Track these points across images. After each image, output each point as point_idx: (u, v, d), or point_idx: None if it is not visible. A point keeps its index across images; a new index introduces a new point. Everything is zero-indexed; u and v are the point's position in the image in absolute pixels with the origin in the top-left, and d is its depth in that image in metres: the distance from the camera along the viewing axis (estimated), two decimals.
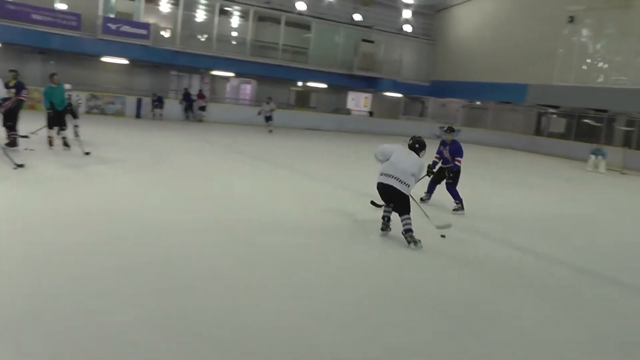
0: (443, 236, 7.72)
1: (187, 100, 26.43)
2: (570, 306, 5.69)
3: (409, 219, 7.10)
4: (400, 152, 7.45)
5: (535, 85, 28.57)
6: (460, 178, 10.04)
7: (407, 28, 33.88)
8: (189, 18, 27.53)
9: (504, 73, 29.99)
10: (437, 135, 32.25)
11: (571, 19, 27.16)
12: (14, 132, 12.02)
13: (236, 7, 28.56)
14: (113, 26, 24.17)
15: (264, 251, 6.42)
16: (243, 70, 28.59)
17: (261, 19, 29.36)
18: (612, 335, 5.06)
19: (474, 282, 6.10)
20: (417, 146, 7.59)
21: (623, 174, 21.77)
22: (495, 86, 30.52)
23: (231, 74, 29.53)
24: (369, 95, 35.03)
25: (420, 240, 7.02)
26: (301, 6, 29.78)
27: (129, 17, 24.84)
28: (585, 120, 28.83)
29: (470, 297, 5.59)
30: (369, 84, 32.45)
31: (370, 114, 34.34)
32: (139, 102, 24.97)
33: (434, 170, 9.61)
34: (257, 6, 28.53)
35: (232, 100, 31.63)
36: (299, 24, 30.39)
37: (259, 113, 23.99)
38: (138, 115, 24.91)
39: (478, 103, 34.23)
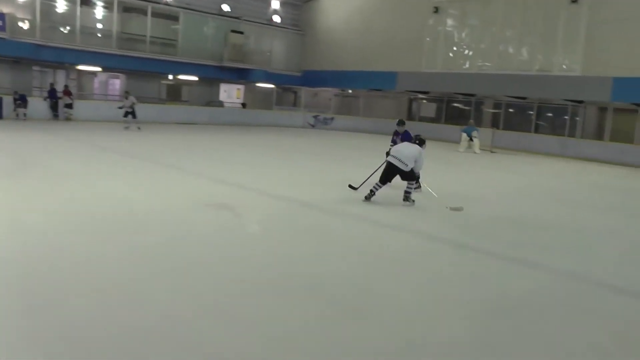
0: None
1: (53, 97, 24.37)
2: (444, 280, 5.98)
3: (412, 186, 9.98)
4: (404, 145, 10.23)
5: (405, 73, 29.71)
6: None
7: (276, 19, 33.73)
8: (48, 8, 25.19)
9: (374, 61, 30.89)
10: (310, 124, 32.62)
11: (436, 10, 28.55)
12: None
13: None
14: None
15: (142, 251, 6.21)
16: (110, 64, 26.79)
17: (127, 9, 27.66)
18: (493, 301, 5.38)
19: (358, 267, 6.22)
20: (417, 142, 10.25)
21: (493, 152, 23.32)
22: (366, 74, 31.34)
23: (98, 69, 27.55)
24: (241, 87, 34.51)
25: (414, 201, 9.97)
26: None
27: None
28: (455, 105, 30.45)
29: (358, 281, 5.67)
30: (241, 75, 31.95)
31: (243, 105, 33.85)
32: None
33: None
34: None
35: (100, 96, 29.72)
36: (167, 14, 29.06)
37: (121, 108, 22.46)
38: None
39: (350, 91, 34.95)
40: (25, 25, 24.44)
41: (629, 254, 7.97)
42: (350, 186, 10.80)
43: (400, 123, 11.87)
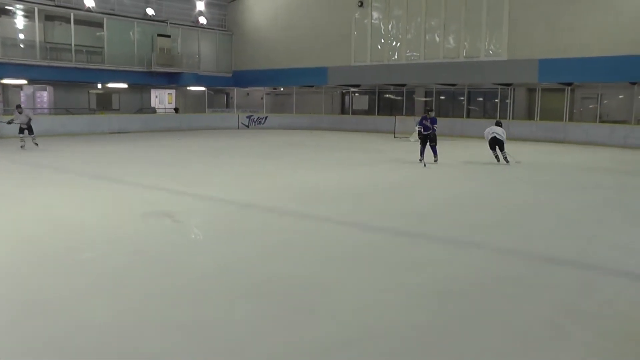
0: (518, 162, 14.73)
1: None
2: (391, 269, 6.02)
3: (506, 152, 15.28)
4: (493, 127, 15.60)
5: (335, 67, 30.20)
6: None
7: (203, 20, 33.41)
8: None
9: (304, 58, 31.20)
10: (245, 125, 32.57)
11: (361, 3, 29.18)
12: None
13: (18, 6, 25.49)
14: None
15: (81, 266, 6.06)
16: (36, 75, 25.78)
17: (49, 18, 26.72)
18: (441, 285, 5.47)
19: (303, 264, 6.18)
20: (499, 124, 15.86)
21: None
22: (297, 71, 31.60)
23: (23, 81, 26.57)
24: (172, 92, 34.00)
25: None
26: (89, 2, 27.78)
27: None
28: (387, 96, 31.13)
29: (304, 278, 5.67)
30: (171, 79, 31.52)
31: (176, 110, 33.41)
32: None
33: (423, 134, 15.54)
34: (41, 4, 25.88)
35: (29, 110, 28.52)
36: (91, 21, 28.28)
37: (10, 122, 19.11)
38: None
39: (282, 89, 35.07)
40: None
41: (562, 225, 8.29)
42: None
43: (430, 110, 16.51)
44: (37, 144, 19.11)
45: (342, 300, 5.02)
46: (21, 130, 18.89)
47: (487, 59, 25.12)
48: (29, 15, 26.07)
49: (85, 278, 5.59)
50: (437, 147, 15.77)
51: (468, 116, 27.81)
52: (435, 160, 15.56)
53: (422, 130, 15.57)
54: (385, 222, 8.28)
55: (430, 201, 10.23)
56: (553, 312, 4.79)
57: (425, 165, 14.77)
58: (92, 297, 5.05)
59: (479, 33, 25.32)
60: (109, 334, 4.25)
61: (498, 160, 15.59)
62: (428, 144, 15.52)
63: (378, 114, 30.71)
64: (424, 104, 29.32)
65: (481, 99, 28.26)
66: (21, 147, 18.75)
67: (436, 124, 15.71)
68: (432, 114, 16.06)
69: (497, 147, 15.52)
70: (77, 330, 4.34)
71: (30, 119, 19.18)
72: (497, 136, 15.38)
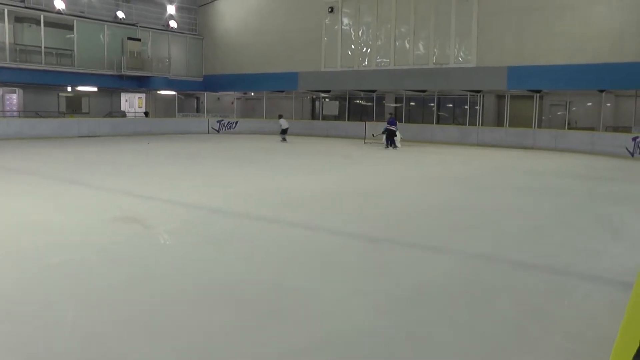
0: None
1: None
2: (358, 273, 6.04)
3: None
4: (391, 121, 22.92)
5: (305, 73, 30.52)
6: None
7: (173, 24, 33.38)
8: None
9: (274, 63, 31.45)
10: (215, 129, 32.61)
11: (331, 10, 29.56)
12: None
13: None
14: None
15: (49, 273, 5.92)
16: (5, 77, 25.46)
17: (19, 19, 26.42)
18: (408, 289, 5.51)
19: (270, 268, 6.19)
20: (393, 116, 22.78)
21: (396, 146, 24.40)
22: (267, 76, 31.84)
23: None
24: (142, 95, 33.85)
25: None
26: (60, 4, 27.54)
27: None
28: (357, 101, 31.55)
29: (271, 282, 5.67)
30: (141, 83, 31.46)
31: (146, 114, 33.24)
32: None
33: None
34: (11, 5, 25.59)
35: None
36: (61, 24, 28.02)
37: None
38: None
39: (252, 94, 35.21)
40: None
41: (531, 230, 8.39)
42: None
43: (390, 114, 24.61)
44: None
45: (308, 304, 5.02)
46: None
47: (457, 65, 25.75)
48: None
49: (53, 283, 5.52)
50: (399, 143, 23.18)
51: (438, 122, 28.42)
52: (395, 147, 22.89)
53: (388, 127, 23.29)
54: (354, 227, 8.29)
55: (399, 206, 10.27)
56: (520, 315, 4.84)
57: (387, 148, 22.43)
58: (59, 302, 4.98)
59: (448, 40, 25.96)
60: (74, 339, 4.22)
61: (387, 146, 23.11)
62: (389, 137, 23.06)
63: (348, 120, 31.11)
64: (394, 110, 29.86)
65: (451, 105, 28.91)
66: None
67: (395, 124, 23.34)
68: (392, 117, 23.92)
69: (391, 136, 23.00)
70: (44, 335, 4.29)
71: None
72: (392, 128, 23.00)
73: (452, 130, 27.11)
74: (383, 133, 23.68)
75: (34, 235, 7.47)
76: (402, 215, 9.44)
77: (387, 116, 24.94)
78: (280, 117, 27.91)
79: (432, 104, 28.70)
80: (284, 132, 26.64)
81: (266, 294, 5.28)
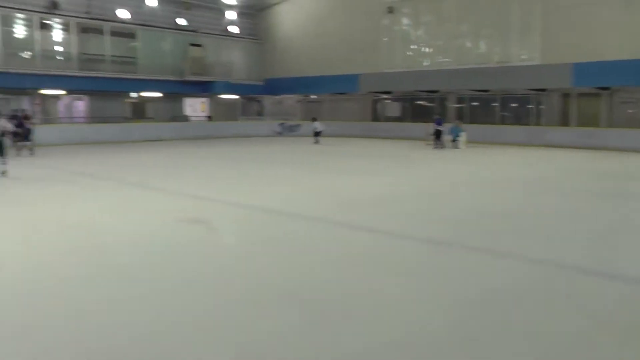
0: None
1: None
2: (421, 277, 5.95)
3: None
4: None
5: (366, 74, 30.11)
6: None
7: (234, 29, 33.74)
8: (8, 34, 24.82)
9: (335, 65, 31.20)
10: (277, 132, 32.68)
11: (390, 10, 28.98)
12: None
13: (56, 20, 26.30)
14: None
15: (119, 271, 6.14)
16: (73, 86, 26.48)
17: (84, 30, 27.36)
18: (472, 294, 5.36)
19: (336, 271, 6.16)
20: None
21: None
22: (328, 79, 31.62)
23: (61, 92, 27.24)
24: (205, 100, 34.36)
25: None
26: (123, 14, 28.36)
27: None
28: (418, 102, 30.90)
29: (337, 285, 5.62)
30: (204, 88, 31.90)
31: (209, 118, 33.77)
32: None
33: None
34: (77, 17, 26.58)
35: (66, 119, 29.21)
36: (124, 33, 28.84)
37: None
38: None
39: (313, 97, 35.12)
40: None
41: (598, 235, 7.96)
42: None
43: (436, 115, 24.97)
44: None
45: (372, 308, 4.98)
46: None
47: (520, 63, 24.72)
48: (66, 28, 26.71)
49: (120, 283, 5.68)
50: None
51: (502, 122, 27.40)
52: (442, 147, 23.01)
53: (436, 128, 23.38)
54: (418, 230, 8.18)
55: (463, 209, 10.01)
56: (590, 325, 4.64)
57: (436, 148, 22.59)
58: (126, 302, 5.11)
59: (511, 38, 24.98)
60: (142, 339, 4.32)
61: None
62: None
63: (410, 121, 30.51)
64: (456, 111, 29.09)
65: (515, 104, 27.79)
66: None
67: (441, 124, 23.60)
68: (439, 117, 24.29)
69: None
70: (111, 333, 4.41)
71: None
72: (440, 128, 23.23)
73: (516, 130, 26.02)
74: (432, 134, 23.38)
75: (102, 236, 7.77)
76: (466, 218, 9.20)
77: (435, 117, 24.59)
78: (314, 120, 27.80)
79: (495, 104, 27.70)
80: (317, 134, 26.46)
81: (330, 297, 5.28)
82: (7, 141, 14.04)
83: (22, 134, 19.58)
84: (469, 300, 5.19)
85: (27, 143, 19.57)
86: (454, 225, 8.54)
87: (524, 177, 14.74)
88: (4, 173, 13.54)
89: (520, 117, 27.27)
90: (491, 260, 6.73)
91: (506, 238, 7.73)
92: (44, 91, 26.47)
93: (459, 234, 7.98)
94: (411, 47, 28.62)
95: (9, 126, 14.62)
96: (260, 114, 36.15)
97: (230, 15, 33.76)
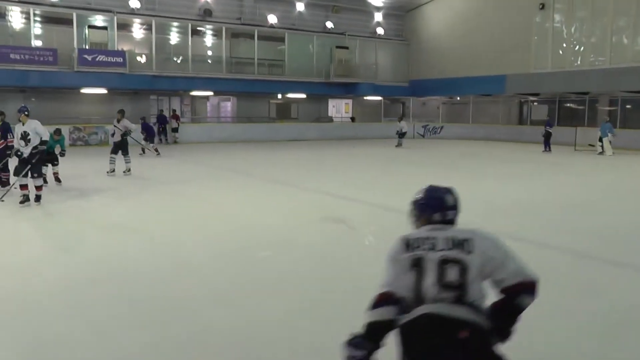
0: None
1: (161, 123, 26.11)
2: (562, 290, 5.59)
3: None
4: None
5: (514, 75, 28.80)
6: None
7: (380, 31, 34.01)
8: (163, 41, 27.30)
9: (481, 66, 30.20)
10: (420, 134, 32.46)
11: (542, 6, 27.51)
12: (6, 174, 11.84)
13: (208, 27, 28.47)
14: (89, 57, 23.77)
15: (262, 266, 6.53)
16: (221, 88, 28.40)
17: (235, 35, 29.24)
18: (617, 312, 5.07)
19: None
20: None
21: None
22: (474, 80, 30.68)
23: (210, 93, 29.38)
24: (349, 101, 35.07)
25: None
26: (273, 19, 29.81)
27: (104, 46, 24.38)
28: (567, 105, 29.12)
29: None
30: (348, 89, 32.48)
31: (352, 119, 34.40)
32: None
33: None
34: (229, 23, 28.44)
35: (213, 119, 31.47)
36: (272, 37, 30.34)
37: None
38: None
39: (458, 98, 34.41)
40: (142, 59, 26.50)
41: None
42: None
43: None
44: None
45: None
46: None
47: None
48: (217, 34, 28.75)
49: (260, 275, 6.12)
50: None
51: None
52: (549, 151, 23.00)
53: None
54: (561, 241, 7.80)
55: (610, 220, 9.29)
56: None
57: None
58: (265, 294, 5.49)
59: None
60: (280, 330, 4.63)
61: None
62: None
63: (558, 125, 28.75)
64: (608, 114, 26.96)
65: None
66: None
67: (551, 126, 23.90)
68: (548, 119, 24.48)
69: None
70: (247, 323, 4.77)
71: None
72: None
73: None
74: (542, 136, 23.80)
75: (245, 230, 8.38)
76: (613, 230, 8.57)
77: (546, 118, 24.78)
78: (401, 119, 27.15)
79: None
80: (402, 135, 25.67)
81: None
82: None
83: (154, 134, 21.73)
84: (611, 318, 4.97)
85: (151, 145, 20.83)
86: (598, 237, 8.07)
87: None
88: (128, 171, 14.92)
89: None
90: (637, 276, 6.40)
91: None
92: (193, 92, 28.69)
93: (603, 246, 7.58)
94: (563, 45, 26.95)
95: (133, 126, 15.98)
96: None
97: (378, 16, 34.04)
